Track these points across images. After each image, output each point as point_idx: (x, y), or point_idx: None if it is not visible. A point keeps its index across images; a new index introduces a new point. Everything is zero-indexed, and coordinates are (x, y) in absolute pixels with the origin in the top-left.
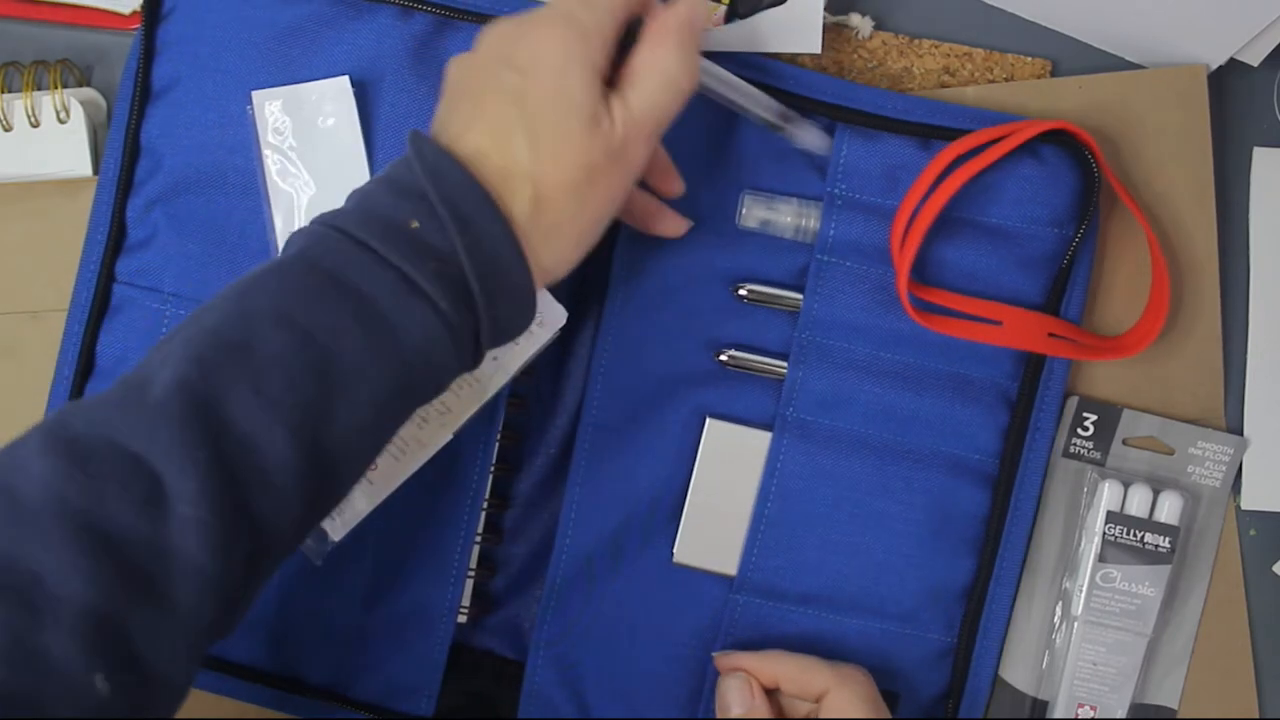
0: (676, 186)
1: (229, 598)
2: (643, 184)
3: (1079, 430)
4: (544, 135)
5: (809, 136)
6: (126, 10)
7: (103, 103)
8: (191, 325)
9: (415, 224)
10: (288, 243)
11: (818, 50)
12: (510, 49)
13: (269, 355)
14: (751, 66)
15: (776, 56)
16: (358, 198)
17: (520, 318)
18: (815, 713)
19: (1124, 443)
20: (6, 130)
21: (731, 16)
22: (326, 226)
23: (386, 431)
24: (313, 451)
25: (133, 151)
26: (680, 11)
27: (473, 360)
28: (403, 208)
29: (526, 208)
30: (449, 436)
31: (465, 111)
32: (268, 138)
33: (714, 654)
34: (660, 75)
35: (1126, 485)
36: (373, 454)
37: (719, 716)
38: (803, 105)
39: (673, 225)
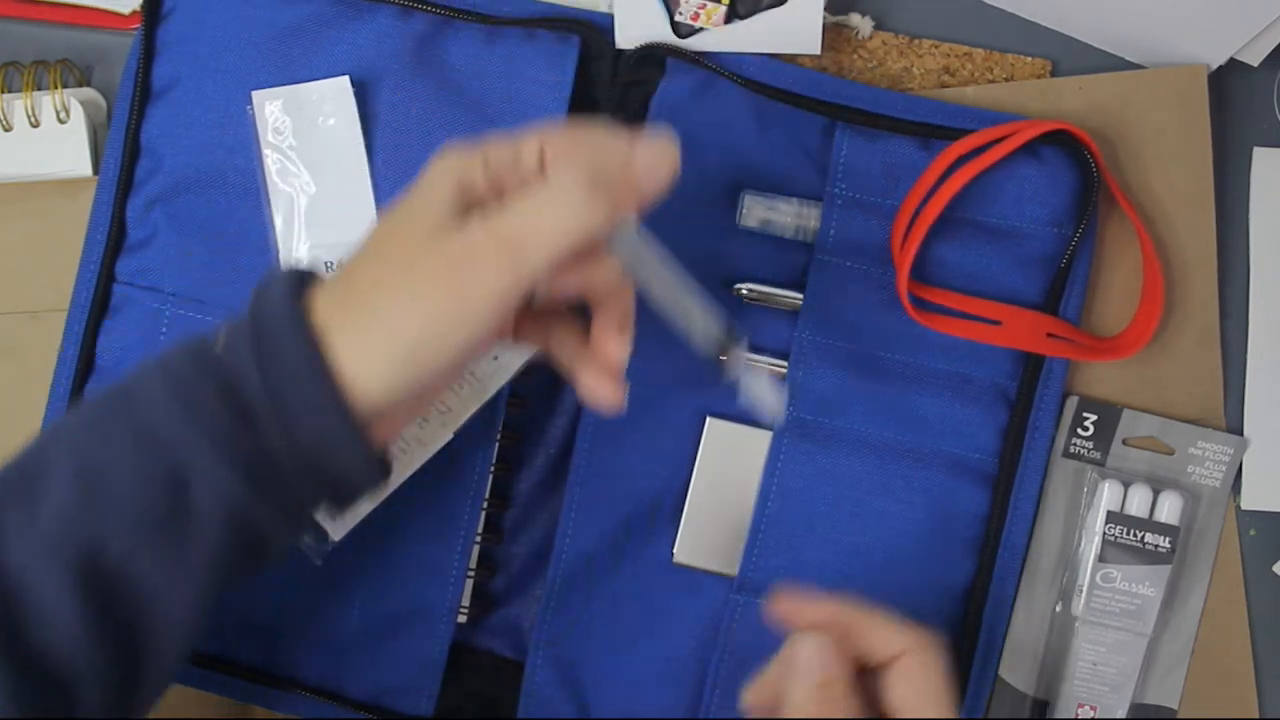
0: (615, 349)
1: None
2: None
3: (1079, 430)
4: (377, 235)
5: (759, 386)
6: (126, 10)
7: (103, 103)
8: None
9: (220, 340)
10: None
11: (817, 51)
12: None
13: (47, 482)
14: (751, 66)
15: (776, 56)
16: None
17: (363, 476)
18: (884, 674)
19: (1124, 443)
20: (6, 130)
21: (731, 17)
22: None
23: (174, 593)
24: (101, 602)
25: (133, 151)
26: (590, 140)
27: (296, 514)
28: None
29: (333, 304)
30: (449, 436)
31: (343, 285)
32: (268, 137)
33: (776, 589)
34: (542, 199)
35: (1126, 485)
36: (190, 598)
37: (791, 679)
38: (803, 105)
39: (598, 390)
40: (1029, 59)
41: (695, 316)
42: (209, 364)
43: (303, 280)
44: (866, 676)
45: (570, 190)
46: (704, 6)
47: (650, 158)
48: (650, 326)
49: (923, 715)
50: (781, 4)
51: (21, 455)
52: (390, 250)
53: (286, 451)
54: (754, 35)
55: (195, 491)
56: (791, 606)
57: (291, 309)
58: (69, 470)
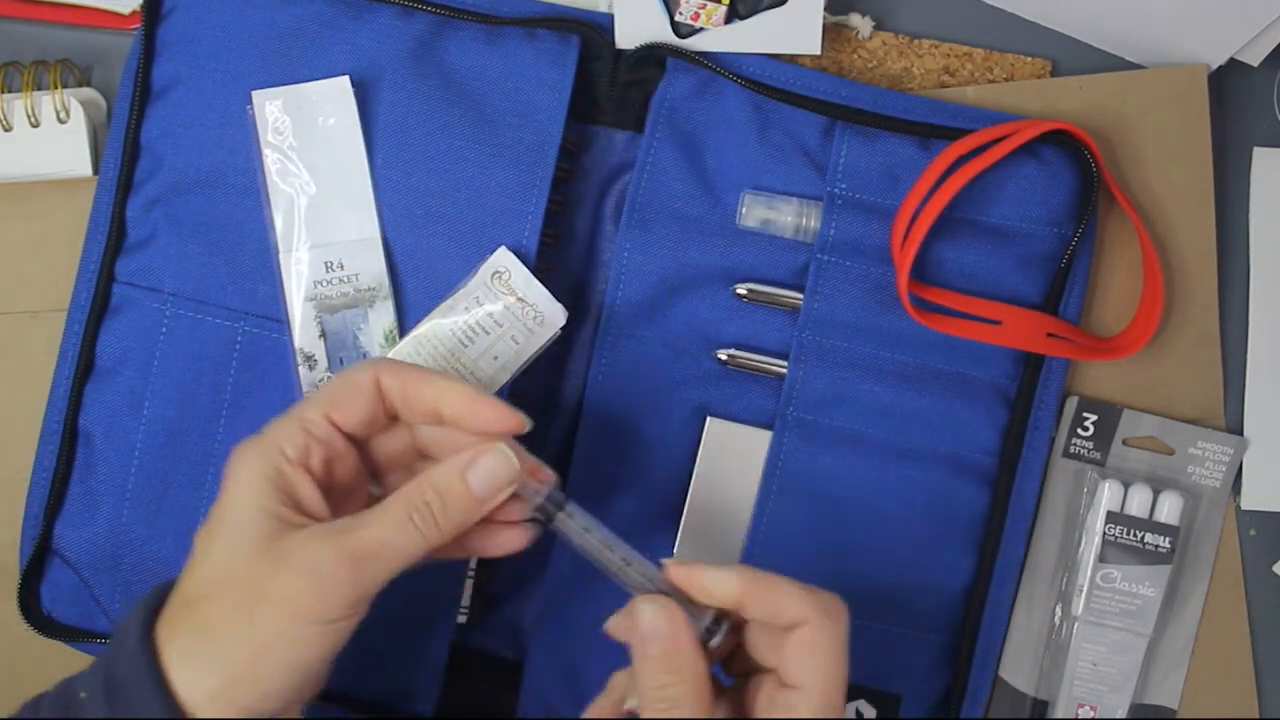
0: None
1: None
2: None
3: (1079, 430)
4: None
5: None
6: (126, 10)
7: (103, 103)
8: None
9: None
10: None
11: (817, 51)
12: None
13: None
14: (752, 66)
15: (776, 57)
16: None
17: None
18: (784, 641)
19: (1124, 443)
20: (6, 130)
21: (731, 17)
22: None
23: None
24: None
25: (133, 151)
26: (438, 480)
27: None
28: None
29: (173, 626)
30: None
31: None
32: (268, 137)
33: (664, 561)
34: (385, 523)
35: (1126, 485)
36: None
37: (639, 650)
38: (803, 105)
39: (497, 542)
40: (1029, 59)
41: (629, 577)
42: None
43: (159, 600)
44: (777, 635)
45: (404, 522)
46: (704, 7)
47: (485, 475)
48: (651, 326)
49: (812, 686)
50: (781, 4)
51: None
52: (219, 566)
53: None
54: (754, 35)
55: None
56: (680, 572)
57: (139, 630)
58: None
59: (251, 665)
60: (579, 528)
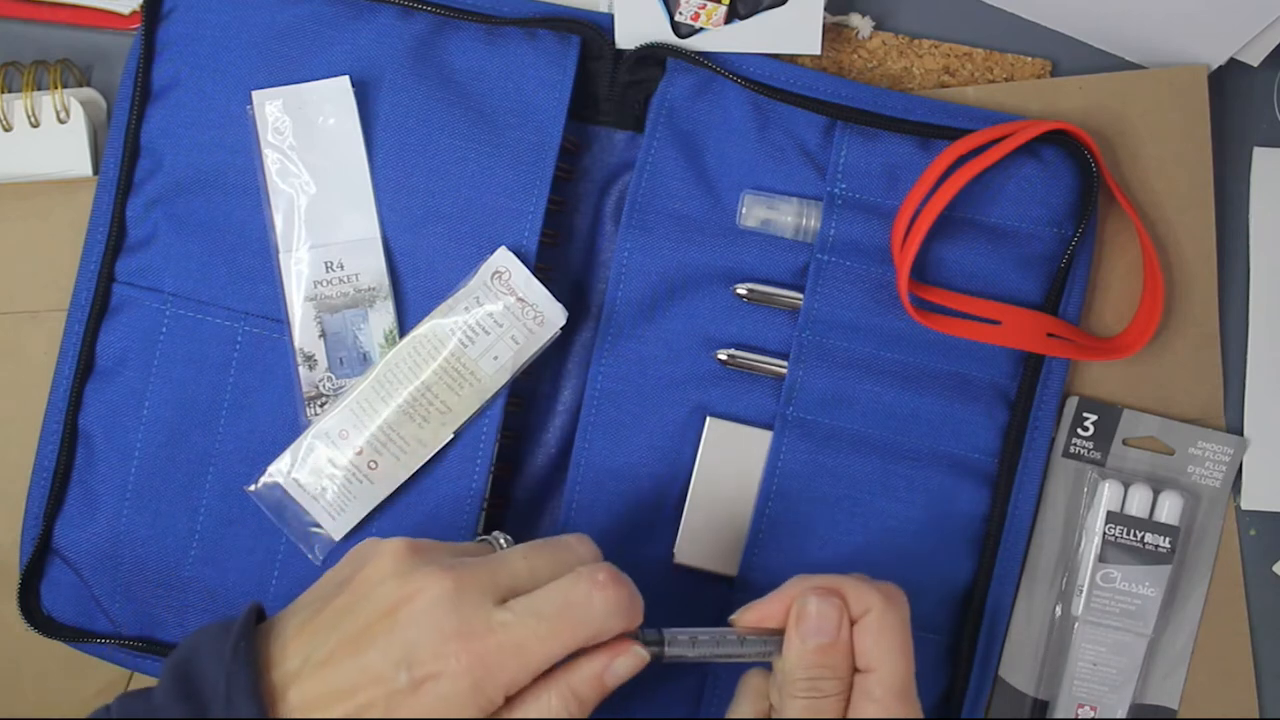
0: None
1: None
2: None
3: (1079, 430)
4: None
5: None
6: (126, 10)
7: (103, 103)
8: None
9: None
10: None
11: (817, 51)
12: (415, 650)
13: None
14: (752, 66)
15: (776, 56)
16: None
17: None
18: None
19: (1124, 443)
20: (6, 130)
21: (732, 17)
22: None
23: None
24: None
25: (133, 151)
26: (578, 685)
27: None
28: None
29: None
30: (449, 436)
31: (322, 681)
32: (268, 137)
33: (731, 617)
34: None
35: (1126, 485)
36: None
37: (802, 642)
38: (803, 105)
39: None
40: (1029, 59)
41: (750, 649)
42: None
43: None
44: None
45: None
46: (704, 6)
47: (622, 674)
48: (651, 326)
49: (885, 666)
50: (782, 4)
51: None
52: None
53: None
54: (754, 35)
55: None
56: (753, 612)
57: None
58: None
59: None
60: (688, 642)
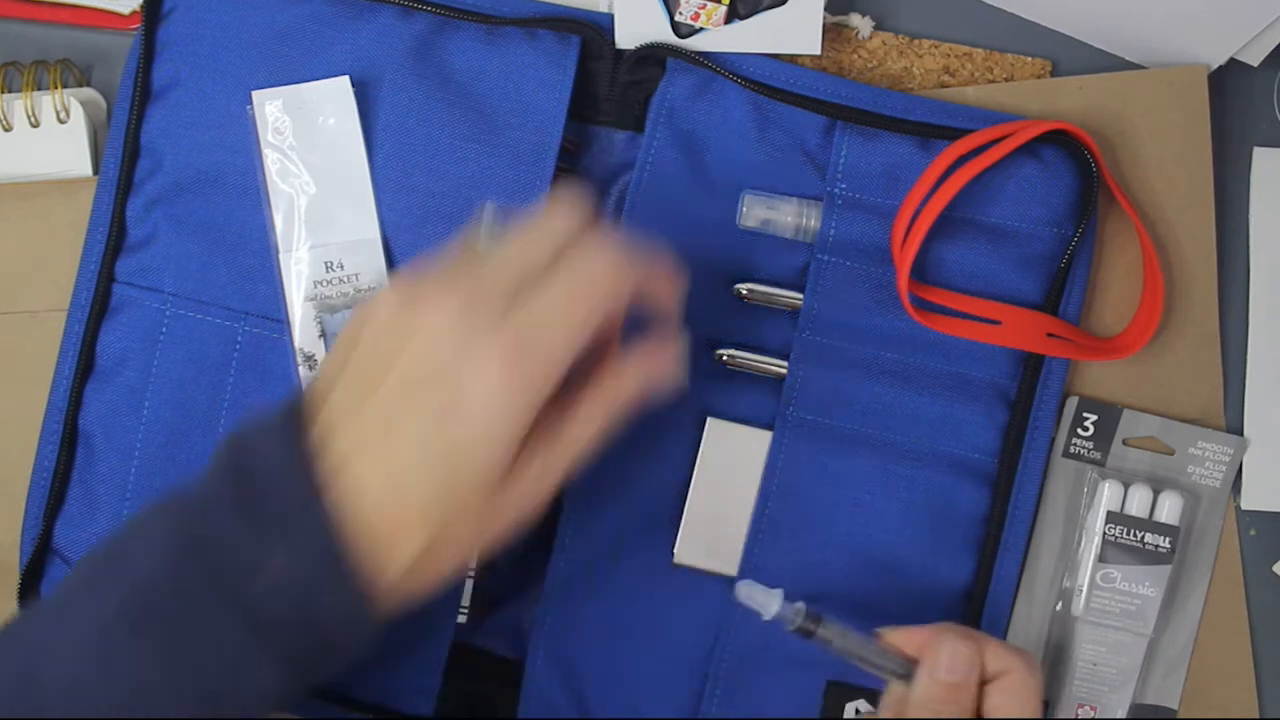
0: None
1: None
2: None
3: (1079, 430)
4: (451, 497)
5: (755, 594)
6: (126, 10)
7: (103, 103)
8: (23, 650)
9: (262, 581)
10: (134, 529)
11: (817, 51)
12: (445, 370)
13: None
14: (752, 66)
15: (776, 57)
16: (205, 495)
17: (362, 652)
18: (987, 687)
19: (1124, 443)
20: (6, 130)
21: (731, 17)
22: (184, 557)
23: None
24: None
25: (133, 151)
26: (627, 386)
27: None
28: (248, 542)
29: (400, 565)
30: None
31: (365, 428)
32: (268, 137)
33: (878, 630)
34: (575, 446)
35: (1126, 485)
36: None
37: (932, 676)
38: (803, 105)
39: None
40: (1029, 59)
41: (885, 662)
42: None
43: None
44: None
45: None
46: (704, 6)
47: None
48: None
49: None
50: (782, 4)
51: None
52: (465, 523)
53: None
54: (754, 35)
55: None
56: (893, 636)
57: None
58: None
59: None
60: (839, 632)
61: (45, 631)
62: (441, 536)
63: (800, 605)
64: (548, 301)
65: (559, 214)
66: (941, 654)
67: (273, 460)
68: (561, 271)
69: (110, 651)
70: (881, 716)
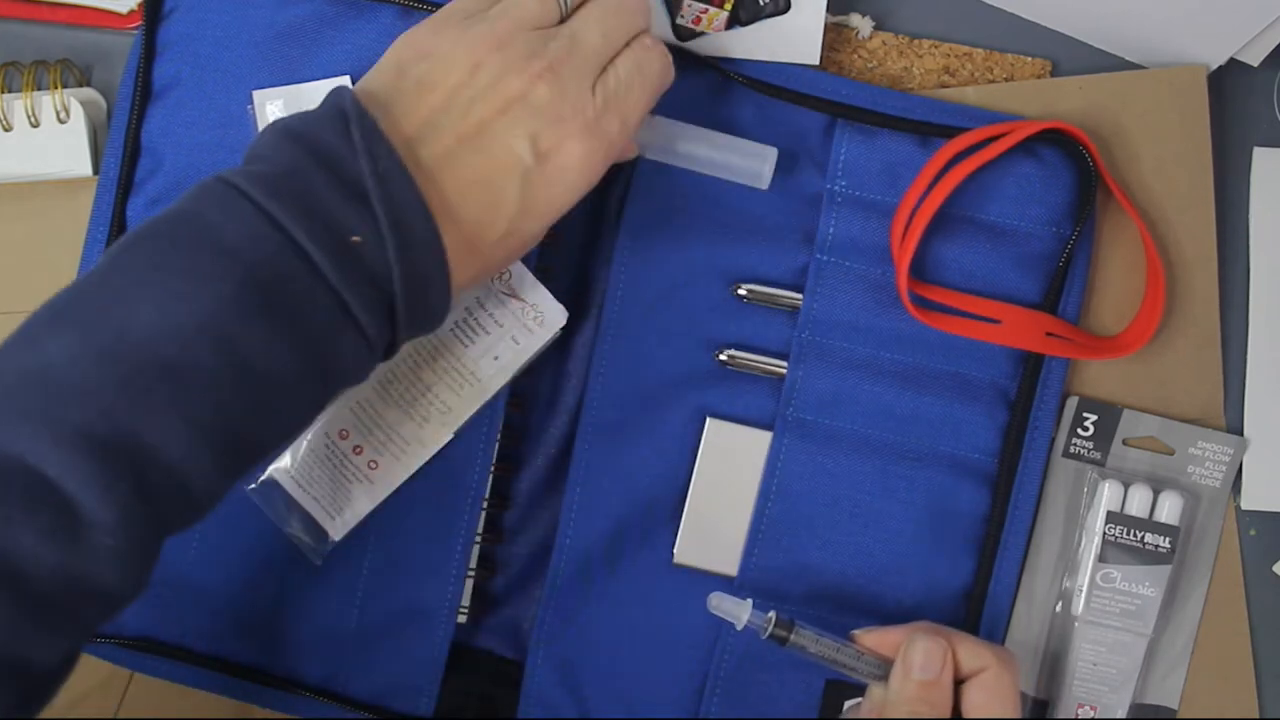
0: None
1: (131, 599)
2: None
3: (1079, 430)
4: (520, 224)
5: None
6: (124, 10)
7: (103, 103)
8: (110, 314)
9: (357, 239)
10: (205, 198)
11: (816, 61)
12: (541, 121)
13: (200, 378)
14: (752, 65)
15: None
16: (285, 167)
17: (430, 327)
18: (964, 685)
19: (1124, 443)
20: (6, 130)
21: (733, 23)
22: (259, 213)
23: (297, 435)
24: (235, 467)
25: (133, 151)
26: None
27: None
28: (346, 212)
29: (462, 248)
30: (449, 436)
31: (455, 141)
32: None
33: (853, 633)
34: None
35: (1126, 485)
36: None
37: (906, 675)
38: (803, 104)
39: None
40: (1029, 59)
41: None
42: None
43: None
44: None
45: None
46: (706, 11)
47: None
48: (650, 327)
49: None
50: (783, 12)
51: (146, 337)
52: (520, 237)
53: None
54: (754, 43)
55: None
56: (871, 637)
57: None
58: (220, 357)
59: (500, 267)
60: (813, 639)
61: (134, 300)
62: (516, 238)
63: (771, 614)
64: (628, 88)
65: (629, 6)
66: (914, 653)
67: (352, 144)
68: (639, 61)
69: (232, 327)
70: (862, 718)
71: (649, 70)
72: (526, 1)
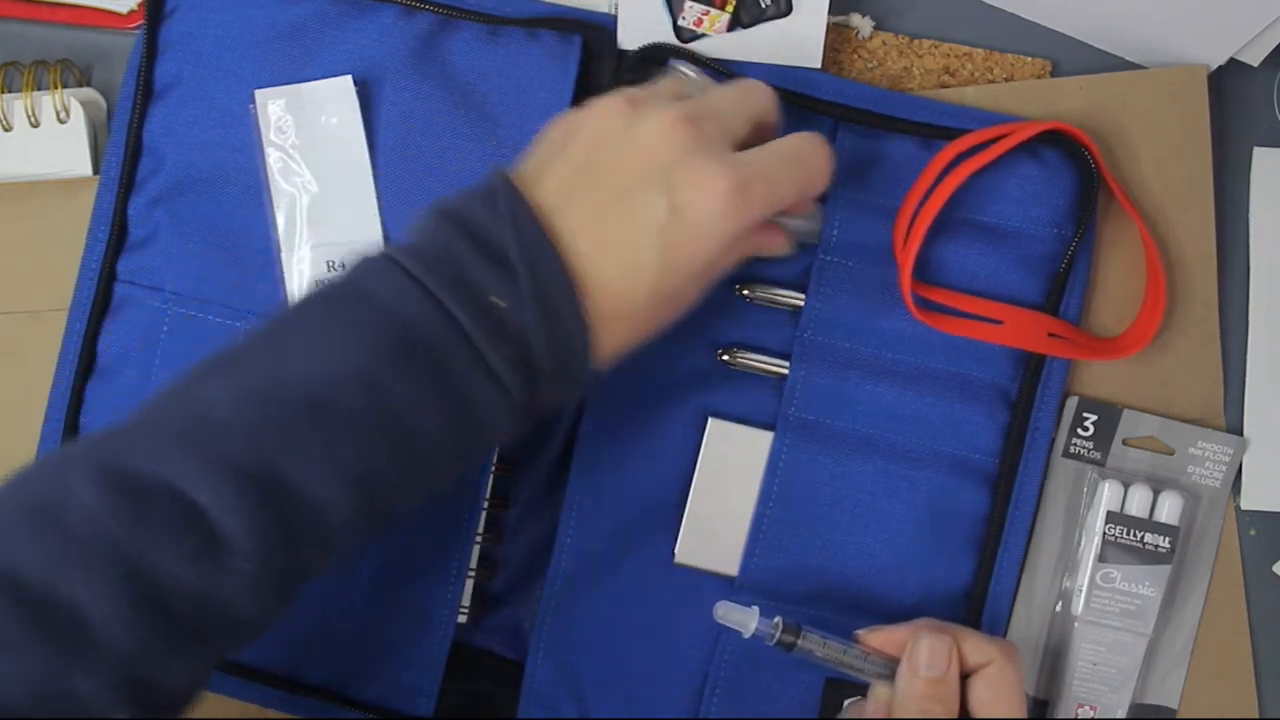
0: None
1: (260, 633)
2: None
3: (1079, 430)
4: (664, 282)
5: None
6: (124, 9)
7: (103, 103)
8: (267, 361)
9: (501, 303)
10: (363, 269)
11: (817, 65)
12: (676, 170)
13: (346, 420)
14: (752, 65)
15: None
16: (437, 242)
17: (573, 390)
18: (969, 679)
19: (1124, 443)
20: (6, 130)
21: (734, 25)
22: (410, 280)
23: (435, 490)
24: (372, 511)
25: (134, 150)
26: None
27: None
28: (488, 277)
29: (606, 311)
30: None
31: (592, 205)
32: (270, 137)
33: (856, 633)
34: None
35: (1126, 485)
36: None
37: (913, 674)
38: (804, 105)
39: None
40: (1029, 59)
41: (870, 667)
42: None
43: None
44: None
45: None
46: (707, 13)
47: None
48: None
49: (997, 715)
50: (785, 15)
51: (299, 374)
52: (673, 303)
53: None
54: (755, 45)
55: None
56: (876, 636)
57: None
58: (364, 399)
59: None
60: (820, 642)
61: (289, 349)
62: (663, 298)
63: (778, 620)
64: (779, 159)
65: (760, 88)
66: (920, 651)
67: (499, 215)
68: (792, 142)
69: (379, 375)
70: (868, 717)
71: (797, 154)
72: (664, 89)
